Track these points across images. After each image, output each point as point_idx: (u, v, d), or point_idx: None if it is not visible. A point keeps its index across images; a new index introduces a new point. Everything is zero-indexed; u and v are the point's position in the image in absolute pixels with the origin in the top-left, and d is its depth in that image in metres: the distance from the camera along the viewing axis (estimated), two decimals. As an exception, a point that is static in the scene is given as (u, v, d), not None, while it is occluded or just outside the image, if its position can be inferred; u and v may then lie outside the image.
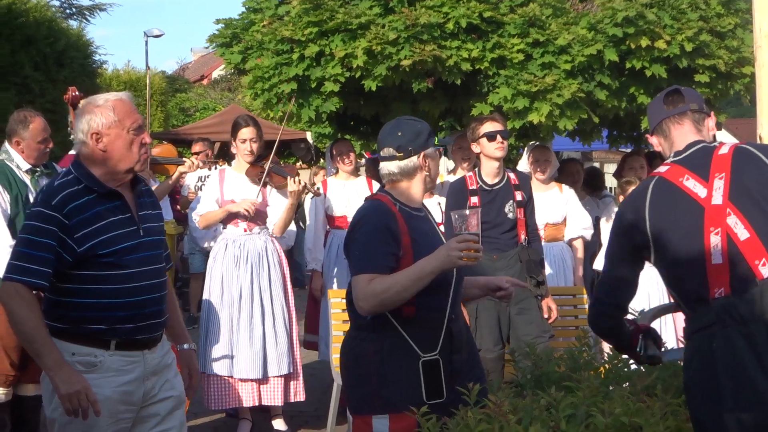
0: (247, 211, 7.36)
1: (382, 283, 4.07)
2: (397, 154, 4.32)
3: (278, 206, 7.61)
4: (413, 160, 4.32)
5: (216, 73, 43.67)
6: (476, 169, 6.94)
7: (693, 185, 3.56)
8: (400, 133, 4.35)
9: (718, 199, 3.49)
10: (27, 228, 4.14)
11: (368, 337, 4.27)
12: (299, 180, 7.39)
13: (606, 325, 3.90)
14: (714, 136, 3.85)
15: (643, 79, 7.92)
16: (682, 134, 3.73)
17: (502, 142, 6.75)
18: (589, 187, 10.53)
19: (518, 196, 6.80)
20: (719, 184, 3.51)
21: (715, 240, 3.46)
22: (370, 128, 10.37)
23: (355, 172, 8.96)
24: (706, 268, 3.46)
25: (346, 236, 4.35)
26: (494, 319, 6.61)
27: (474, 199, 6.61)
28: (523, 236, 6.79)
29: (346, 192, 8.57)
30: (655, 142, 3.84)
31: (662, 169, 3.70)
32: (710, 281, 3.46)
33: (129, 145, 4.21)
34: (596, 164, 35.11)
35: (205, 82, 44.16)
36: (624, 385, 4.30)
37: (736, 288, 3.40)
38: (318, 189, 8.05)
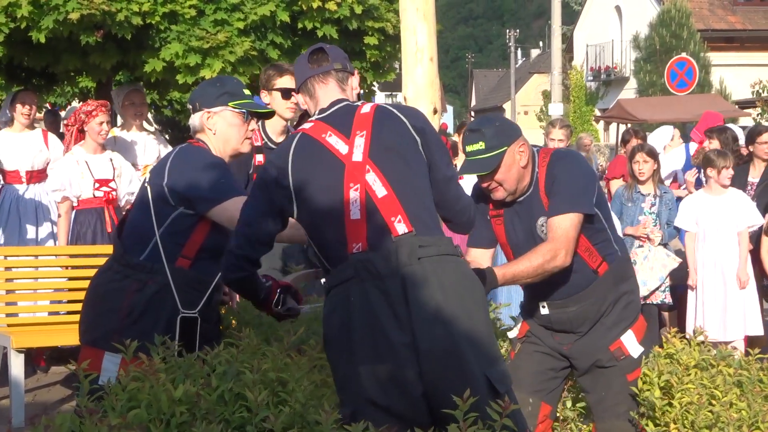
0: None
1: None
2: (189, 107, 4.30)
3: None
4: (197, 116, 4.26)
5: None
6: (260, 123, 5.95)
7: (335, 141, 3.61)
8: (198, 89, 4.34)
9: (358, 156, 3.57)
10: None
11: (133, 275, 4.17)
12: None
13: (236, 276, 3.87)
14: (359, 95, 3.95)
15: (315, 39, 8.05)
16: (326, 93, 3.77)
17: (296, 103, 5.65)
18: None
19: None
20: (360, 142, 3.59)
21: (354, 196, 3.53)
22: (43, 80, 10.01)
23: (32, 125, 8.57)
24: (345, 224, 3.54)
25: (176, 171, 4.16)
26: None
27: (259, 158, 5.80)
28: None
29: (21, 145, 8.17)
30: (301, 100, 3.87)
31: (306, 125, 3.74)
32: (348, 236, 3.53)
33: None
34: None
35: None
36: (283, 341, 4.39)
37: (372, 243, 3.50)
38: None
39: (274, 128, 5.89)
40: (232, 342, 4.15)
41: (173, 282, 4.15)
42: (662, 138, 11.29)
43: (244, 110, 4.27)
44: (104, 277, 4.30)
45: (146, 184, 4.28)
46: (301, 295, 4.16)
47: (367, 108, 3.69)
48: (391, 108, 3.71)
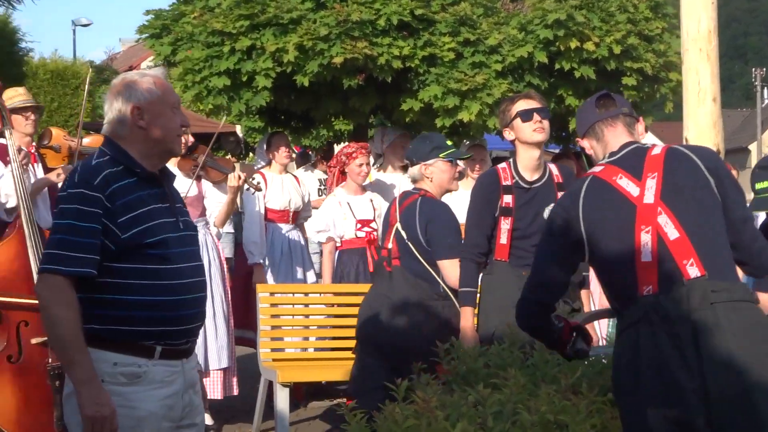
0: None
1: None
2: (407, 161, 5.35)
3: (215, 199, 7.42)
4: (416, 168, 5.29)
5: (145, 64, 42.96)
6: (511, 160, 5.50)
7: (626, 184, 3.60)
8: (411, 146, 5.28)
9: (650, 198, 3.54)
10: (66, 212, 3.57)
11: None
12: (239, 175, 7.19)
13: (534, 323, 3.93)
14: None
15: (572, 80, 8.02)
16: (616, 136, 3.76)
17: (540, 122, 5.30)
18: None
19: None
20: (651, 184, 3.56)
21: (645, 238, 3.50)
22: (301, 123, 10.34)
23: (285, 168, 8.72)
24: (636, 266, 3.50)
25: None
26: None
27: (507, 199, 5.32)
28: None
29: (285, 186, 8.28)
30: (586, 145, 3.86)
31: (597, 169, 3.74)
32: (639, 279, 3.50)
33: (170, 122, 3.74)
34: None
35: (133, 72, 43.43)
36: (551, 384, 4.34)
37: (663, 286, 3.45)
38: (258, 184, 7.70)
39: (525, 163, 5.41)
40: (497, 383, 4.13)
41: None
42: None
43: (451, 159, 5.38)
44: None
45: None
46: (590, 336, 4.11)
47: (657, 150, 3.65)
48: (683, 149, 3.68)
